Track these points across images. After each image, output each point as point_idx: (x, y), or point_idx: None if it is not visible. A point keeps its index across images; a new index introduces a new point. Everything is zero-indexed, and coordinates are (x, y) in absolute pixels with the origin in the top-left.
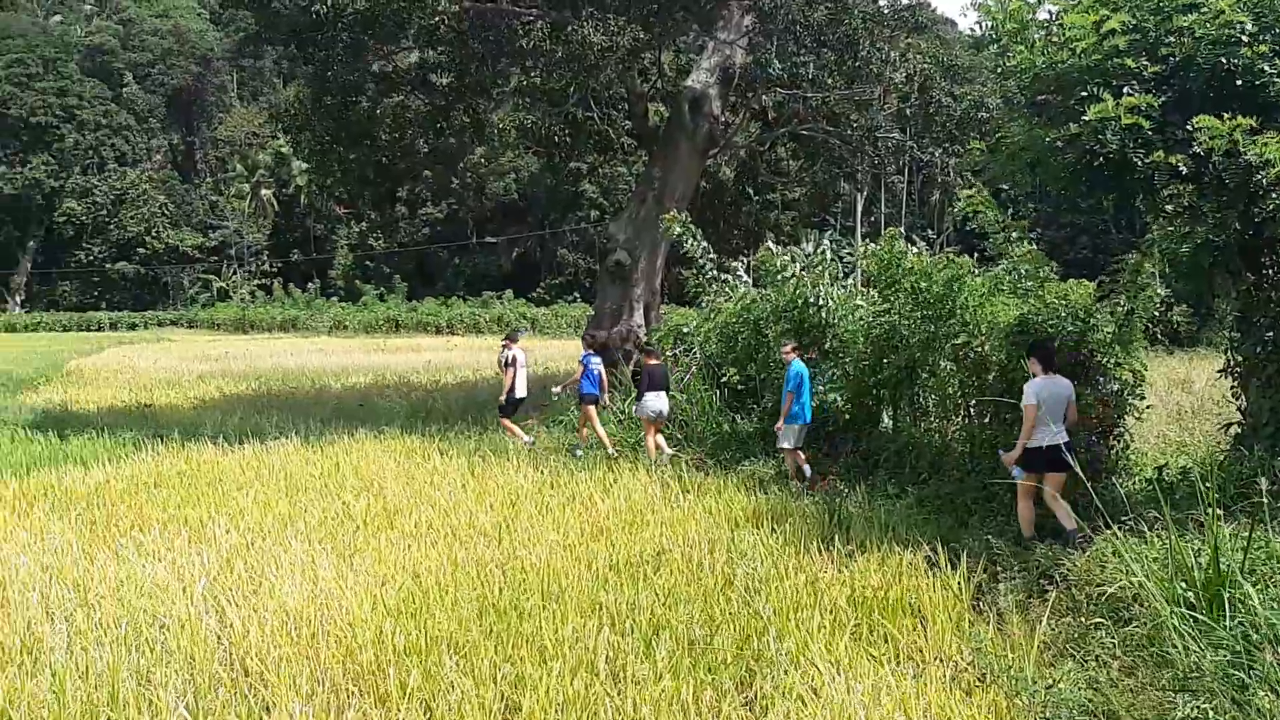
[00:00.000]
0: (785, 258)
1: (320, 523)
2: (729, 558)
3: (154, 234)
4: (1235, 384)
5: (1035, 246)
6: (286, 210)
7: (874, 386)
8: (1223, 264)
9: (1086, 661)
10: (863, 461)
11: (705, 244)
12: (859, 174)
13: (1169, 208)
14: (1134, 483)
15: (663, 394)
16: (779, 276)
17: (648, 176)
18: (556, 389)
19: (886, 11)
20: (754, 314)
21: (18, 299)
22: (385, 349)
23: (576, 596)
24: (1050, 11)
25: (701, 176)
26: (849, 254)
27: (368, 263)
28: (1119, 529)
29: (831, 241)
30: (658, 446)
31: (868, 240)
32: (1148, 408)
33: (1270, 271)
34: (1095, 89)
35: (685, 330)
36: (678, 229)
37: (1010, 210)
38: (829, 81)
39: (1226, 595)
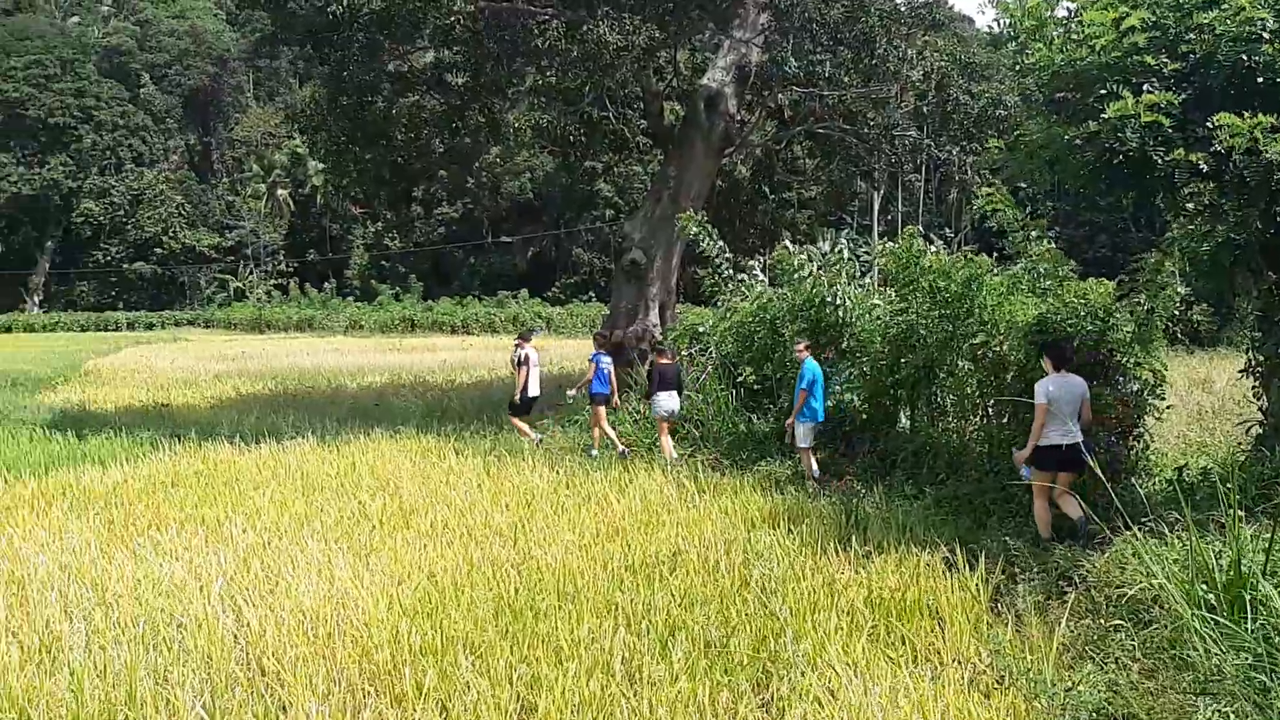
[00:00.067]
0: (802, 257)
1: (336, 522)
2: (745, 558)
3: (171, 234)
4: (1257, 384)
5: (1054, 245)
6: (302, 210)
7: (891, 386)
8: (1244, 262)
9: (1106, 664)
10: (880, 462)
11: (721, 243)
12: (876, 172)
13: (1189, 206)
14: (1154, 484)
15: (674, 393)
16: (795, 276)
17: (663, 175)
18: (571, 392)
19: (903, 9)
20: (770, 313)
21: (36, 299)
22: (401, 349)
23: (592, 597)
24: (1069, 8)
25: (717, 175)
26: (866, 253)
27: (383, 262)
28: (1139, 530)
29: (848, 240)
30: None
31: (885, 239)
32: (1168, 408)
33: None
34: (1114, 86)
35: (701, 330)
36: (693, 228)
37: (1028, 209)
38: (845, 79)
39: (1248, 597)
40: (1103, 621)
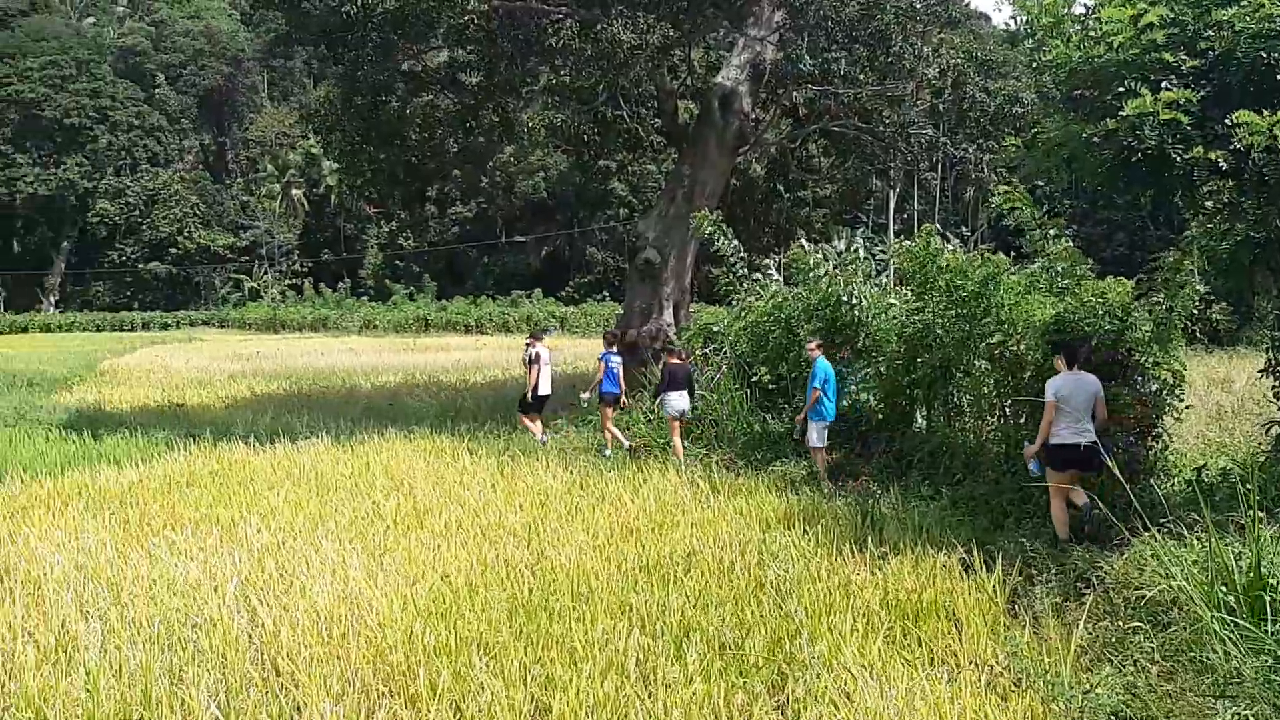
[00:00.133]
0: (817, 255)
1: (351, 522)
2: (760, 559)
3: (186, 234)
4: (1277, 383)
5: (1071, 243)
6: (317, 210)
7: (907, 386)
8: (1263, 261)
9: (1124, 666)
10: (896, 462)
11: (736, 242)
12: (891, 171)
13: (1208, 204)
14: (1173, 484)
15: (684, 393)
16: (811, 275)
17: (677, 174)
18: (585, 395)
19: (919, 6)
20: (785, 313)
21: (52, 299)
22: (415, 348)
23: (606, 598)
24: (1086, 5)
25: (732, 174)
26: (881, 252)
27: (397, 262)
28: (1157, 531)
29: (864, 239)
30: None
31: (901, 237)
32: (1187, 408)
33: None
34: (1133, 84)
35: (715, 329)
36: (708, 227)
37: (1046, 207)
38: (861, 77)
39: (1268, 599)
40: (1121, 623)
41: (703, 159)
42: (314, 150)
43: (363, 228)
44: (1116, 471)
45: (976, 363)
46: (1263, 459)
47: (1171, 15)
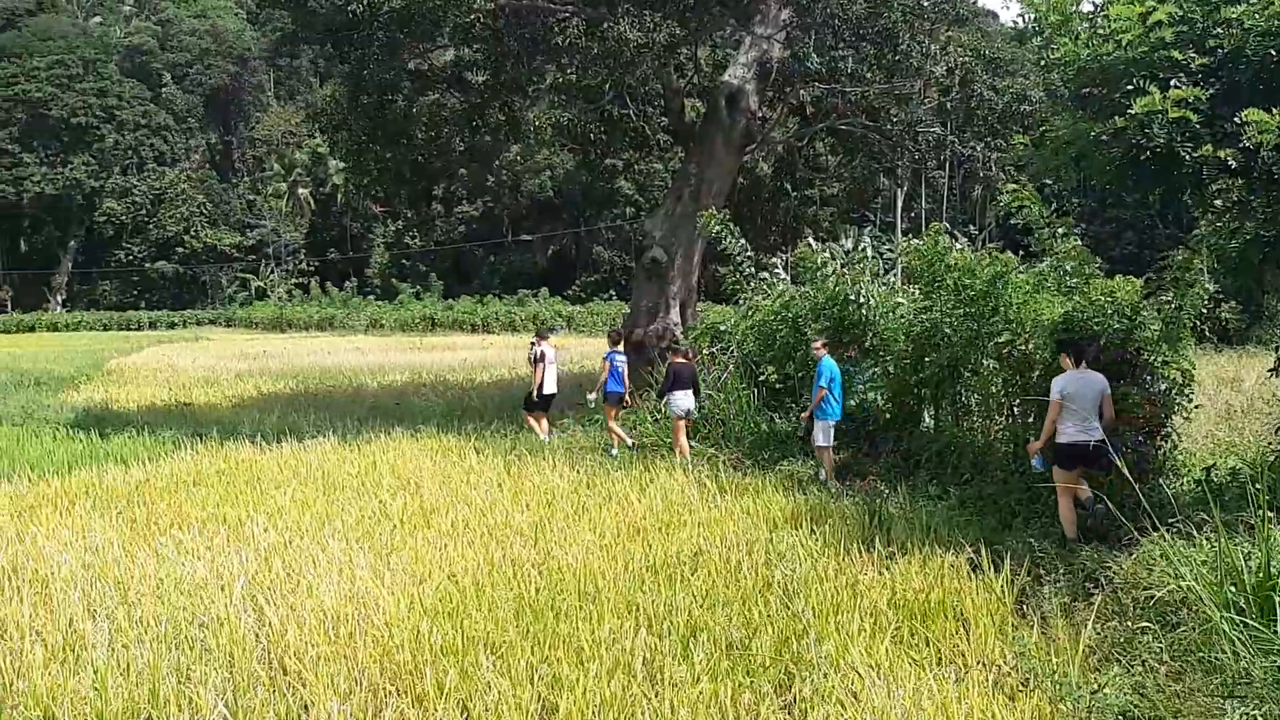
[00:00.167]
0: (824, 254)
1: (357, 522)
2: (767, 559)
3: (192, 233)
4: None
5: (1080, 242)
6: (323, 209)
7: (915, 385)
8: (1273, 259)
9: (1133, 666)
10: (904, 461)
11: (743, 241)
12: (899, 169)
13: (1217, 202)
14: (1182, 484)
15: (689, 392)
16: (818, 273)
17: (684, 173)
18: (592, 395)
19: (926, 4)
20: (793, 312)
21: (59, 298)
22: (421, 347)
23: (613, 597)
24: (1095, 3)
25: (739, 172)
26: (889, 250)
27: (404, 261)
28: (1166, 531)
29: (871, 238)
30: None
31: (908, 236)
32: (1196, 407)
33: None
34: (1141, 82)
35: (722, 328)
36: (715, 226)
37: (1054, 205)
38: (868, 76)
39: (1278, 600)
40: (1129, 623)
41: (709, 158)
42: (320, 149)
43: (369, 226)
44: (1125, 471)
45: (984, 362)
46: (1272, 458)
47: (1180, 13)
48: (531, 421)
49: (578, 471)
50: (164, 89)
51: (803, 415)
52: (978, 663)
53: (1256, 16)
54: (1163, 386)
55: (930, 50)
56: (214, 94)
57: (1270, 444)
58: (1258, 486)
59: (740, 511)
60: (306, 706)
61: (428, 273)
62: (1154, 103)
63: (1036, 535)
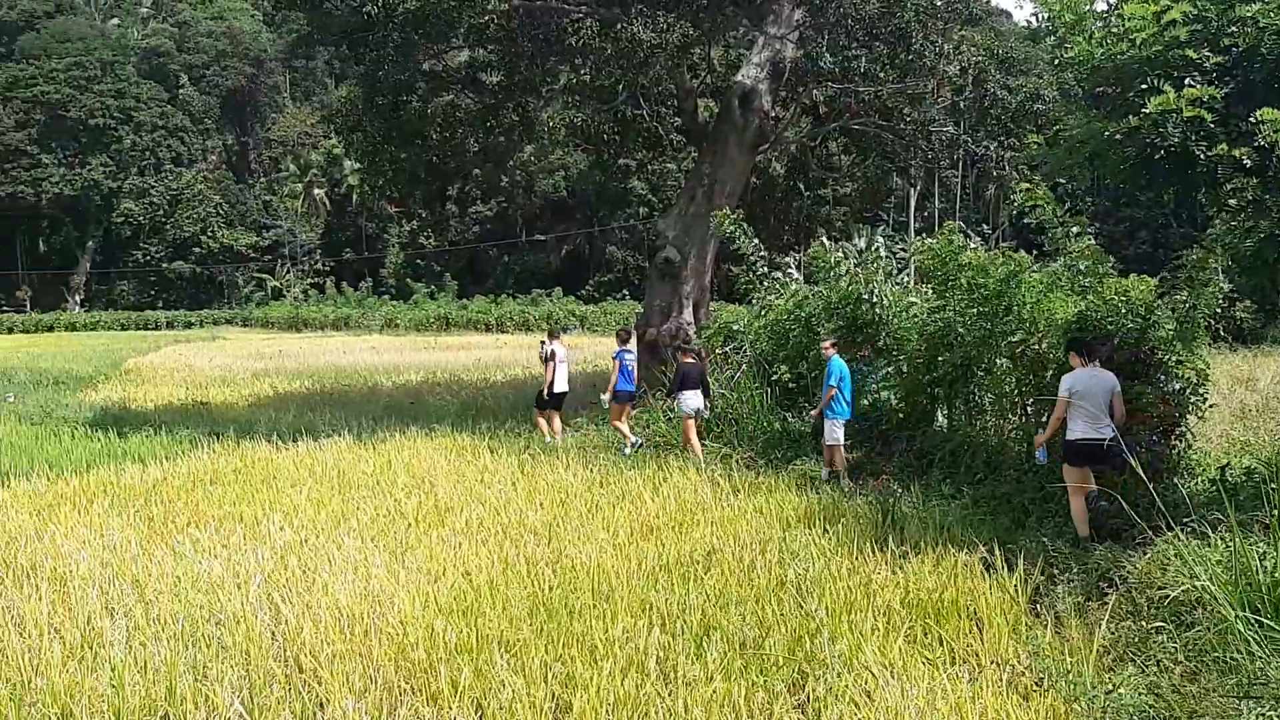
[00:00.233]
0: (837, 254)
1: (372, 520)
2: (781, 558)
3: (209, 234)
4: None
5: (1094, 241)
6: (338, 209)
7: (928, 384)
8: None
9: (1147, 666)
10: (917, 461)
11: (756, 240)
12: (912, 169)
13: (1232, 201)
14: (1196, 483)
15: (698, 392)
16: (831, 273)
17: (697, 173)
18: (605, 396)
19: (939, 3)
20: (806, 311)
21: (77, 298)
22: (436, 347)
23: (627, 596)
24: (1109, 2)
25: (752, 172)
26: (902, 250)
27: (418, 261)
28: (1181, 531)
29: (884, 237)
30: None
31: (921, 235)
32: (1210, 406)
33: None
34: (1156, 81)
35: (736, 328)
36: (728, 225)
37: (1068, 204)
38: (881, 75)
39: None
40: (1144, 623)
41: (723, 157)
42: (336, 150)
43: (384, 227)
44: (1140, 470)
45: (998, 361)
46: None
47: (1195, 11)
48: (540, 421)
49: (591, 470)
50: (181, 90)
51: (813, 413)
52: (991, 662)
53: (1271, 15)
54: (1177, 386)
55: (943, 49)
56: (230, 95)
57: None
58: (1273, 486)
59: (753, 511)
60: (322, 704)
61: (442, 273)
62: (1168, 101)
63: (1050, 534)
